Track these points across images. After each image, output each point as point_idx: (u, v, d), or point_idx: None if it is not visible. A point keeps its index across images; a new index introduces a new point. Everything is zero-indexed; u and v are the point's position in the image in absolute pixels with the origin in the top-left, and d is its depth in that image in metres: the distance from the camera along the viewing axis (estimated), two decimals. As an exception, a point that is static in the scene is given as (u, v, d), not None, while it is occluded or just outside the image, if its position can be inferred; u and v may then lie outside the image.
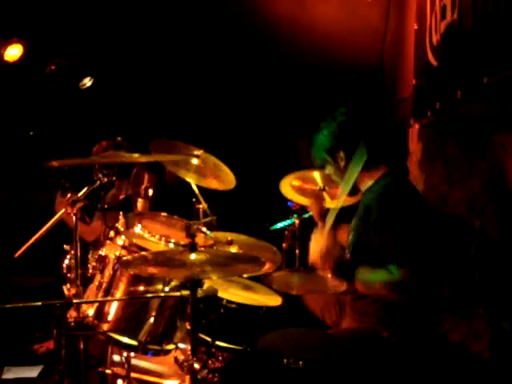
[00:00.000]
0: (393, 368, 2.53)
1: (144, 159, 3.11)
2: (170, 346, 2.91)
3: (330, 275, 2.69)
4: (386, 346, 2.54)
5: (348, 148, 2.78)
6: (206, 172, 3.47)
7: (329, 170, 2.92)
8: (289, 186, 3.67)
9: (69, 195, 2.92)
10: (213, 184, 3.48)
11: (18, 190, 5.13)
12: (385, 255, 2.54)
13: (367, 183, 2.80)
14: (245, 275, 3.25)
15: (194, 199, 3.41)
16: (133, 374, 3.04)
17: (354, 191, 2.87)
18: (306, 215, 3.84)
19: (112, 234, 3.01)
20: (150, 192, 3.39)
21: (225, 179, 3.47)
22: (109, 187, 3.20)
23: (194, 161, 3.45)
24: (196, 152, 3.42)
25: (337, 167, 2.85)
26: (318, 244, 2.73)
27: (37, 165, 4.66)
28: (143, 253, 2.79)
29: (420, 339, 2.61)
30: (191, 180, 3.41)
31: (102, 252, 2.98)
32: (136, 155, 2.91)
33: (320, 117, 2.96)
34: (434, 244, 2.63)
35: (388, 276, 2.51)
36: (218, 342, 3.00)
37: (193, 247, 2.35)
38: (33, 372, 4.04)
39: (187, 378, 2.45)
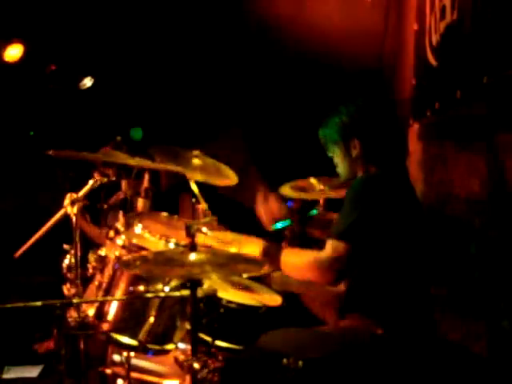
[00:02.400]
0: (391, 367, 2.52)
1: (139, 164, 3.12)
2: (170, 346, 2.91)
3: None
4: (381, 344, 2.54)
5: (365, 139, 2.74)
6: (209, 169, 3.47)
7: (336, 156, 2.86)
8: (288, 189, 3.69)
9: (68, 195, 2.94)
10: (218, 180, 3.47)
11: (18, 189, 5.13)
12: (333, 228, 2.58)
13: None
14: (245, 275, 3.25)
15: (194, 199, 3.42)
16: (133, 374, 3.04)
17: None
18: (306, 215, 3.85)
19: (112, 233, 3.01)
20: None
21: (227, 174, 3.47)
22: (113, 188, 3.21)
23: (196, 160, 3.46)
24: (193, 153, 3.43)
25: (346, 155, 2.80)
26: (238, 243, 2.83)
27: (37, 165, 4.69)
28: (143, 253, 2.80)
29: (416, 338, 2.61)
30: (196, 178, 3.40)
31: (102, 252, 2.98)
32: (131, 159, 2.94)
33: (319, 116, 2.95)
34: (399, 236, 2.62)
35: (317, 254, 2.55)
36: (217, 342, 3.00)
37: (193, 247, 2.35)
38: (33, 372, 4.05)
39: (187, 377, 2.46)
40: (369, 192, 2.64)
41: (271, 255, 2.72)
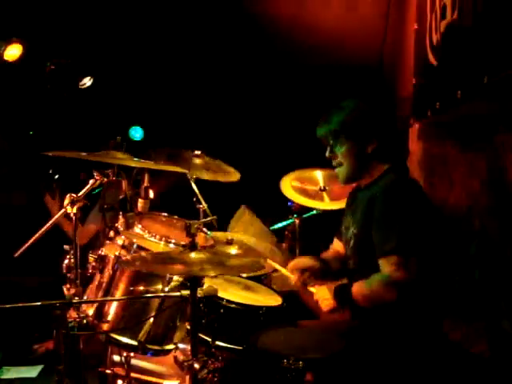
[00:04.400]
0: (393, 367, 2.52)
1: (139, 164, 3.13)
2: (170, 346, 2.90)
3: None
4: (383, 345, 2.54)
5: (381, 136, 2.72)
6: (211, 167, 3.50)
7: (343, 154, 2.77)
8: (290, 187, 3.67)
9: (68, 195, 2.93)
10: (222, 177, 3.50)
11: (18, 189, 5.13)
12: (384, 245, 2.52)
13: (367, 179, 2.78)
14: (245, 275, 3.25)
15: (194, 199, 3.42)
16: (133, 374, 3.04)
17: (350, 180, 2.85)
18: (306, 215, 3.85)
19: (112, 233, 3.01)
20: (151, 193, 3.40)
21: (230, 171, 3.51)
22: (108, 187, 3.20)
23: (197, 160, 3.49)
24: (195, 153, 3.46)
25: (358, 152, 2.73)
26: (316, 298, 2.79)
27: (35, 165, 4.68)
28: (143, 253, 2.79)
29: (421, 338, 2.61)
30: (201, 176, 3.42)
31: (102, 252, 2.98)
32: (130, 160, 2.94)
33: (318, 115, 2.94)
34: (434, 241, 2.63)
35: (382, 277, 2.51)
36: (218, 342, 3.00)
37: (193, 247, 2.35)
38: (33, 372, 4.05)
39: (187, 377, 2.45)
40: (410, 199, 2.62)
41: (343, 295, 2.66)
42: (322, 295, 2.75)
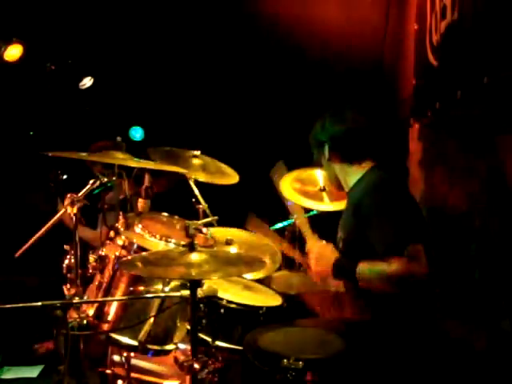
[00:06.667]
0: (392, 365, 2.53)
1: (138, 164, 3.14)
2: (170, 346, 2.91)
3: (332, 280, 2.72)
4: (382, 345, 2.55)
5: (332, 145, 2.85)
6: (209, 168, 3.51)
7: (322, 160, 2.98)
8: (290, 189, 3.67)
9: (68, 195, 2.94)
10: (219, 179, 3.51)
11: (18, 189, 5.13)
12: (386, 247, 2.53)
13: (352, 179, 2.82)
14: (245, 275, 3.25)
15: (193, 199, 3.42)
16: (133, 374, 3.04)
17: (340, 187, 2.96)
18: (306, 215, 3.84)
19: (112, 233, 3.01)
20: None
21: (229, 173, 3.52)
22: (109, 187, 3.21)
23: (195, 161, 3.50)
24: (194, 153, 3.48)
25: (323, 160, 2.94)
26: (313, 253, 2.79)
27: (36, 165, 4.68)
28: (143, 253, 2.79)
29: (418, 336, 2.61)
30: (198, 178, 3.44)
31: (102, 252, 2.98)
32: (131, 160, 2.95)
33: (319, 115, 2.96)
34: (426, 234, 2.65)
35: (387, 268, 2.50)
36: (217, 342, 3.00)
37: (192, 247, 2.35)
38: (33, 372, 4.05)
39: (187, 378, 2.45)
40: (397, 192, 2.71)
41: (344, 271, 2.65)
42: (322, 252, 2.75)
